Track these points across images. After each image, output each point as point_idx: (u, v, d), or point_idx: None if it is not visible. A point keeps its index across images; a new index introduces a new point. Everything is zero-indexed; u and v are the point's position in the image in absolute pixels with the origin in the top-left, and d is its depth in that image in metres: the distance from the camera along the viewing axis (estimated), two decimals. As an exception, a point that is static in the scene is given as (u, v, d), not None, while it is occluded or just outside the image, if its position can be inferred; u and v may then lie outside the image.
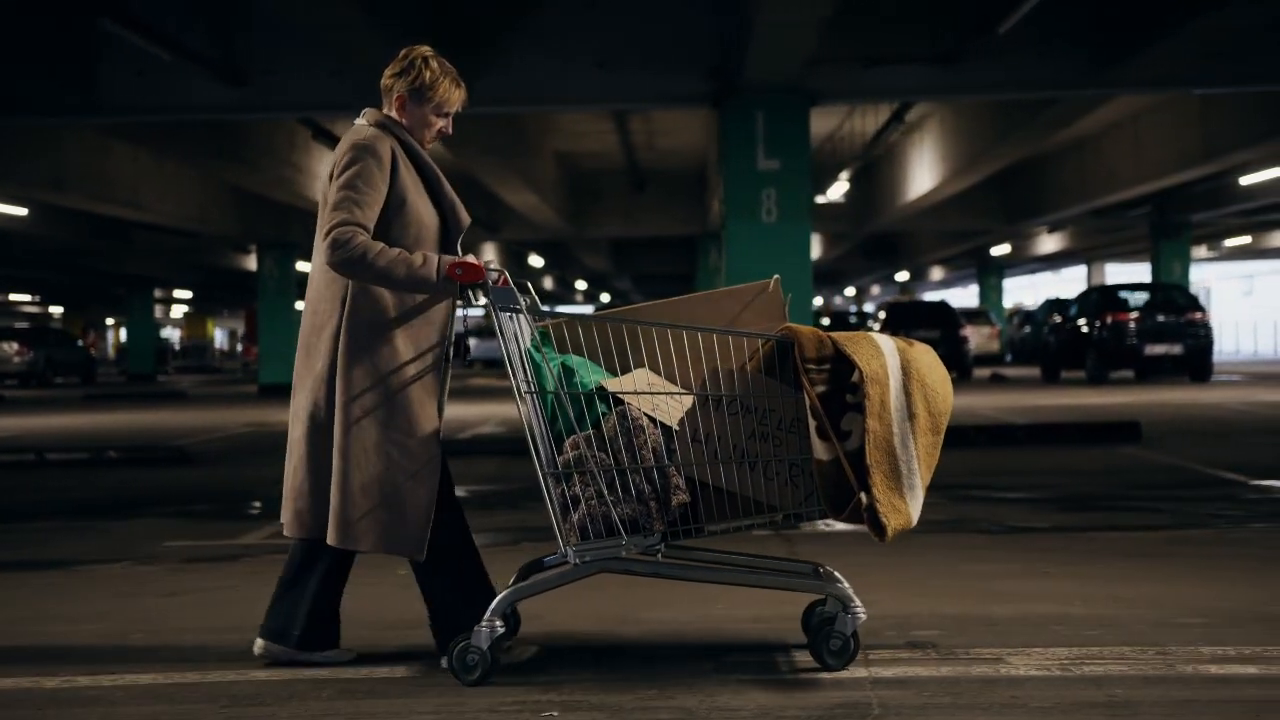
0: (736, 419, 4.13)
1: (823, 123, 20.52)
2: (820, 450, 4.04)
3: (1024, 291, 65.55)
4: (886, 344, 4.14)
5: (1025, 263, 44.76)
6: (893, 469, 4.05)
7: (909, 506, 4.07)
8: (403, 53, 4.37)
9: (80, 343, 42.88)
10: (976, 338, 39.61)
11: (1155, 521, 7.53)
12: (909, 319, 29.68)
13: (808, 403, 4.06)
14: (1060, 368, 26.69)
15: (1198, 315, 24.55)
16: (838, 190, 21.84)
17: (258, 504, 9.36)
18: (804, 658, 4.34)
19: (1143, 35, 11.26)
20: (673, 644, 4.67)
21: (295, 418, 4.33)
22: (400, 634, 4.90)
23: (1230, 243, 37.75)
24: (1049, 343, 27.30)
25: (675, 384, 4.30)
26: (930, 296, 74.33)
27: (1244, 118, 17.56)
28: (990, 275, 45.31)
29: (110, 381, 40.30)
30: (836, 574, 4.32)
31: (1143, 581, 5.69)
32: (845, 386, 4.07)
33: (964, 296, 62.17)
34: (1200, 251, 41.75)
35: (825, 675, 4.20)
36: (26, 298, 56.65)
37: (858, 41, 12.47)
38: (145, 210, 21.62)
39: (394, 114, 4.34)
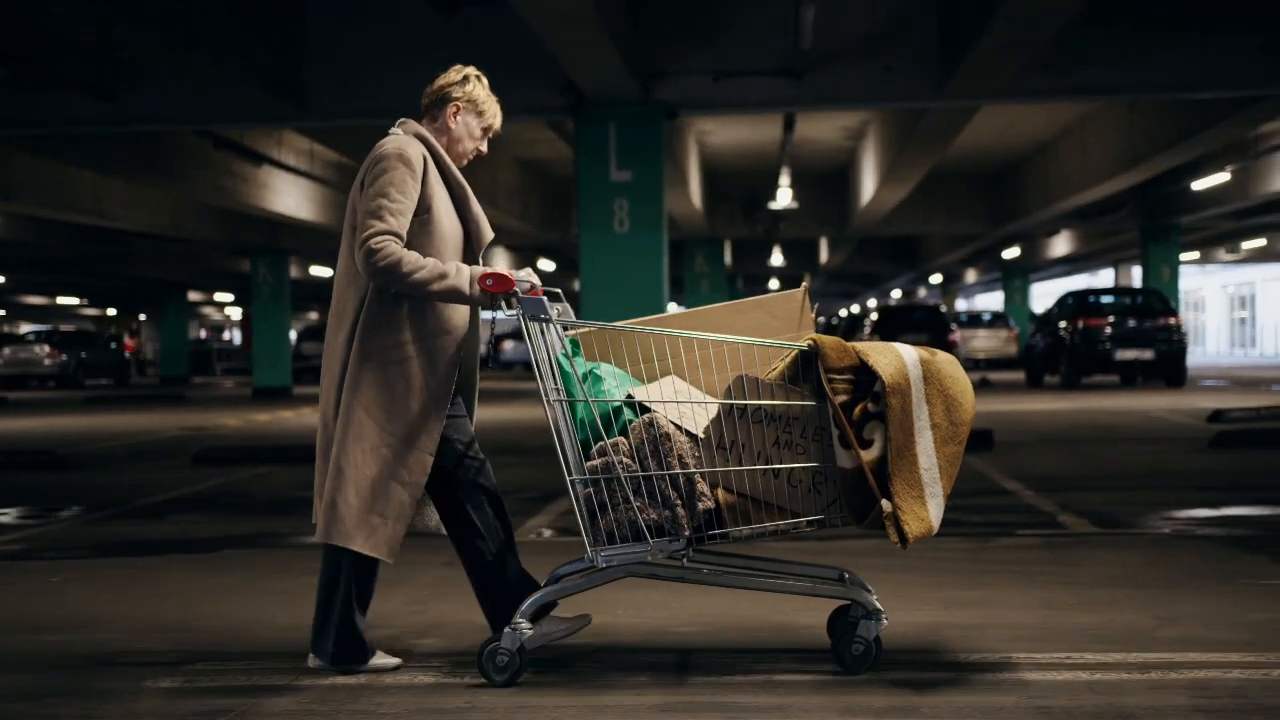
0: (761, 427, 4.23)
1: (766, 130, 20.58)
2: (843, 458, 4.19)
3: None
4: (909, 354, 4.26)
5: (1048, 266, 44.31)
6: (914, 477, 4.16)
7: (930, 514, 4.18)
8: (456, 68, 4.58)
9: (113, 345, 43.89)
10: (994, 341, 39.42)
11: (844, 532, 7.62)
12: (899, 322, 29.66)
13: (830, 411, 4.19)
14: (1044, 372, 26.54)
15: (1171, 320, 24.29)
16: (784, 197, 21.94)
17: (51, 511, 9.63)
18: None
19: (968, 47, 11.28)
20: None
21: (319, 419, 4.48)
22: None
23: (1248, 245, 37.17)
24: (1034, 347, 27.18)
25: (702, 392, 4.43)
26: (975, 300, 73.76)
27: (1161, 123, 17.42)
28: (1014, 278, 44.92)
29: (140, 384, 41.18)
30: (862, 580, 4.47)
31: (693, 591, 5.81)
32: (868, 395, 4.20)
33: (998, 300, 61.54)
34: (1221, 255, 41.12)
35: (211, 683, 4.45)
36: (74, 300, 57.93)
37: (710, 55, 12.61)
38: (112, 218, 22.20)
39: (445, 122, 4.50)
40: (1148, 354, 24.08)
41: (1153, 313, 24.38)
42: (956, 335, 30.04)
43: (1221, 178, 21.65)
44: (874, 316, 30.59)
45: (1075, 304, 25.14)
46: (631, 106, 12.67)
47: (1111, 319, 24.33)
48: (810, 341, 4.27)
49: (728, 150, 23.00)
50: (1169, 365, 24.20)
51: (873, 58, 12.49)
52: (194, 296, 56.84)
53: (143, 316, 67.81)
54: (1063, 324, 25.00)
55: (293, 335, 47.94)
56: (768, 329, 4.54)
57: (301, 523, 8.56)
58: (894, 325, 29.14)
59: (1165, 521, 7.91)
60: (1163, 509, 8.44)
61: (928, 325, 29.11)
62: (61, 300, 57.07)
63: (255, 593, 6.11)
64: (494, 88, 4.68)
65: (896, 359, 4.21)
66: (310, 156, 20.60)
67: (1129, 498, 9.07)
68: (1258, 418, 15.30)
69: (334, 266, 33.30)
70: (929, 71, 12.42)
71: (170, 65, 12.10)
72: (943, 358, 4.31)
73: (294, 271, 38.77)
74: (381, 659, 4.52)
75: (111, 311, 66.62)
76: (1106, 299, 25.28)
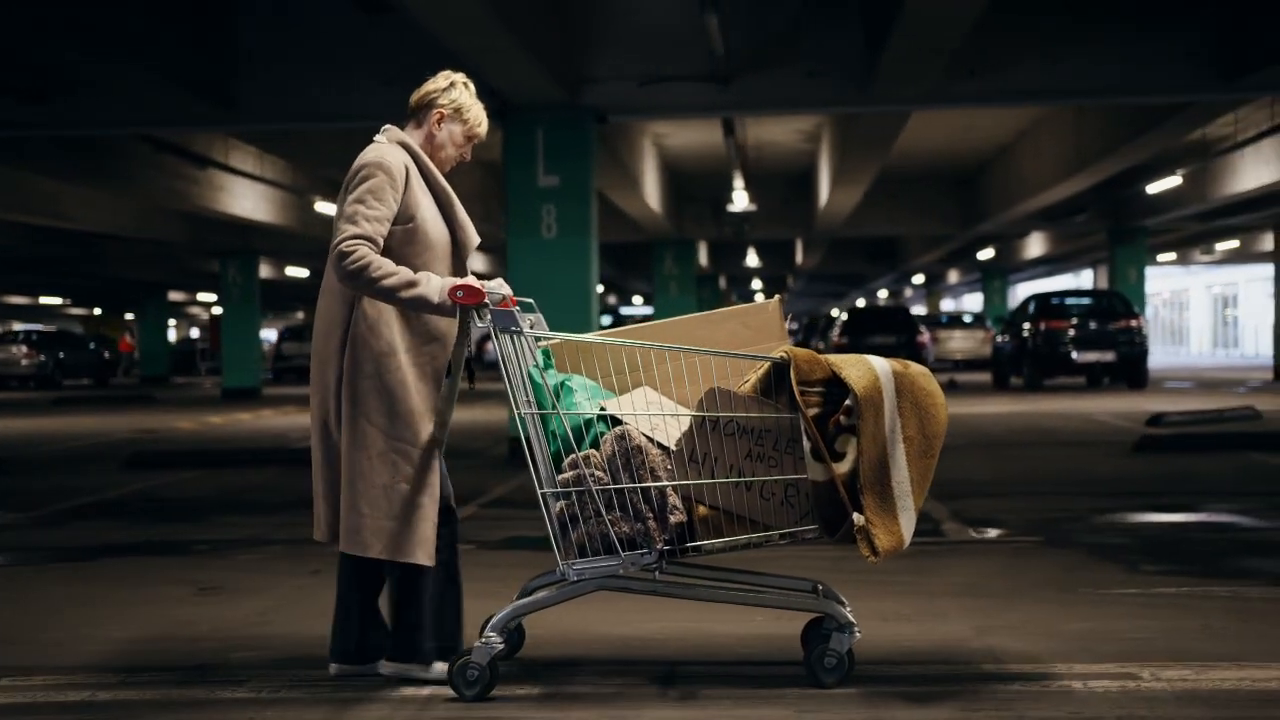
0: (733, 439, 4.23)
1: (720, 133, 20.60)
2: (815, 471, 4.20)
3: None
4: (882, 366, 4.26)
5: (1027, 266, 44.37)
6: (885, 490, 4.17)
7: (901, 527, 4.18)
8: (442, 74, 4.57)
9: (93, 345, 43.87)
10: (970, 342, 39.48)
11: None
12: (868, 324, 29.66)
13: (803, 424, 4.19)
14: (1010, 374, 26.58)
15: (1133, 322, 24.35)
16: (741, 200, 22.01)
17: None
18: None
19: (883, 49, 11.31)
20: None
21: (312, 426, 4.48)
22: None
23: (1222, 246, 37.23)
24: (1002, 348, 27.25)
25: (675, 403, 4.41)
26: (963, 300, 73.78)
27: (1104, 127, 17.47)
28: (993, 279, 44.96)
29: (120, 385, 41.19)
30: (835, 592, 4.48)
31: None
32: (840, 408, 4.23)
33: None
34: (1197, 256, 41.19)
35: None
36: (58, 300, 57.91)
37: (637, 60, 12.63)
38: (71, 220, 22.23)
39: (430, 129, 4.50)
40: (1109, 356, 24.14)
41: (1114, 315, 24.42)
42: (925, 337, 30.03)
43: (1174, 181, 21.69)
44: (844, 318, 30.58)
45: (1037, 306, 25.20)
46: (558, 111, 12.69)
47: (1073, 321, 24.39)
48: (783, 353, 4.29)
49: (687, 153, 23.03)
50: (1130, 367, 24.26)
51: (798, 63, 12.52)
52: (179, 297, 56.89)
53: (130, 316, 67.85)
54: (1026, 326, 25.09)
55: (274, 335, 48.03)
56: (741, 340, 4.54)
57: (200, 529, 8.59)
58: (863, 327, 29.14)
59: (1044, 529, 7.94)
60: (1050, 515, 8.48)
61: (897, 327, 29.11)
62: (45, 300, 57.05)
63: (104, 603, 6.12)
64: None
65: (869, 371, 4.21)
66: (260, 160, 20.62)
67: (1025, 504, 9.10)
68: (1195, 421, 15.34)
69: (309, 267, 33.24)
70: (853, 76, 12.45)
71: (99, 71, 12.15)
72: (916, 370, 4.33)
73: (270, 272, 38.89)
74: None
75: (97, 311, 66.66)
76: (1068, 301, 25.32)
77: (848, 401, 4.18)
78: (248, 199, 21.97)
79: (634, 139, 19.08)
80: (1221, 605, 5.64)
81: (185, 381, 43.87)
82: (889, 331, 28.68)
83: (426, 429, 4.34)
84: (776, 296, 4.77)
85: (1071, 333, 24.23)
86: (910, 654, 4.82)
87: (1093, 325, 24.23)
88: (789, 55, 12.49)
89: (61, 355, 40.50)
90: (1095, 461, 11.81)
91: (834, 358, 4.27)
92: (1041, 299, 25.49)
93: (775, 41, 12.46)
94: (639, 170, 19.75)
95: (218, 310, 73.00)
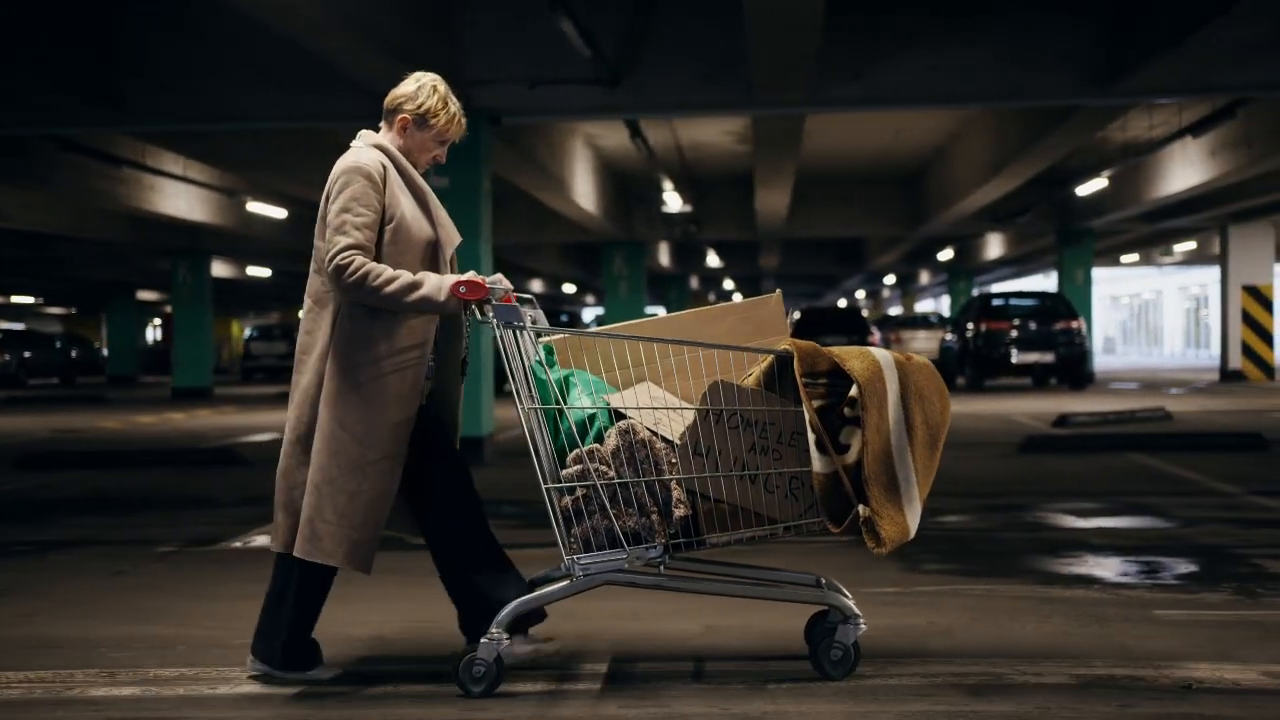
0: (737, 432, 4.24)
1: (650, 135, 20.67)
2: (819, 463, 4.20)
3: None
4: (885, 358, 4.27)
5: (992, 267, 44.46)
6: (890, 482, 4.18)
7: (907, 518, 4.20)
8: (413, 77, 4.53)
9: (59, 344, 43.91)
10: (933, 343, 39.59)
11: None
12: (819, 324, 29.73)
13: (807, 416, 4.20)
14: (955, 374, 26.66)
15: (1072, 324, 24.45)
16: (674, 201, 22.09)
17: None
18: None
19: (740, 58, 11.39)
20: None
21: (286, 432, 4.47)
22: None
23: (1180, 248, 37.31)
24: (950, 349, 27.32)
25: (678, 398, 4.42)
26: (943, 301, 73.84)
27: (1015, 130, 17.50)
28: (958, 279, 45.05)
29: (86, 384, 41.20)
30: (839, 585, 4.50)
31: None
32: (844, 400, 4.22)
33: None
34: (1155, 257, 41.28)
35: None
36: (30, 300, 57.88)
37: (527, 63, 12.66)
38: (9, 220, 22.28)
39: (395, 134, 4.49)
40: (1048, 357, 24.26)
41: (1055, 316, 24.53)
42: (876, 337, 30.10)
43: (1100, 183, 21.74)
44: (796, 316, 30.66)
45: (979, 307, 25.30)
46: (448, 113, 12.72)
47: (1013, 322, 24.49)
48: (786, 346, 4.31)
49: (624, 154, 23.04)
50: (1070, 368, 24.36)
51: (686, 66, 12.56)
52: (151, 297, 56.87)
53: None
54: (969, 327, 25.19)
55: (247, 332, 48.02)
56: (742, 335, 4.55)
57: (38, 530, 8.63)
58: (815, 326, 29.20)
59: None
60: (882, 516, 8.52)
61: (848, 327, 29.17)
62: (19, 299, 56.99)
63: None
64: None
65: (872, 364, 4.23)
66: (186, 161, 20.62)
67: (869, 504, 9.14)
68: (1101, 422, 15.42)
69: (270, 267, 33.08)
70: (738, 78, 12.50)
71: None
72: (918, 361, 4.35)
73: (231, 272, 38.92)
74: (321, 670, 4.52)
75: (74, 310, 66.61)
76: (1010, 302, 25.42)
77: (852, 393, 4.19)
78: (181, 199, 22.00)
79: (559, 140, 19.11)
80: (966, 603, 5.70)
81: (154, 381, 43.84)
82: (840, 332, 28.70)
83: (396, 440, 4.34)
84: (778, 291, 4.78)
85: (1012, 334, 24.35)
86: (624, 650, 4.89)
87: (1033, 326, 24.35)
88: (682, 58, 12.53)
89: (27, 354, 40.54)
90: (972, 463, 11.84)
91: (837, 350, 4.30)
92: (983, 300, 25.60)
93: (667, 44, 12.51)
94: (567, 171, 19.78)
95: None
